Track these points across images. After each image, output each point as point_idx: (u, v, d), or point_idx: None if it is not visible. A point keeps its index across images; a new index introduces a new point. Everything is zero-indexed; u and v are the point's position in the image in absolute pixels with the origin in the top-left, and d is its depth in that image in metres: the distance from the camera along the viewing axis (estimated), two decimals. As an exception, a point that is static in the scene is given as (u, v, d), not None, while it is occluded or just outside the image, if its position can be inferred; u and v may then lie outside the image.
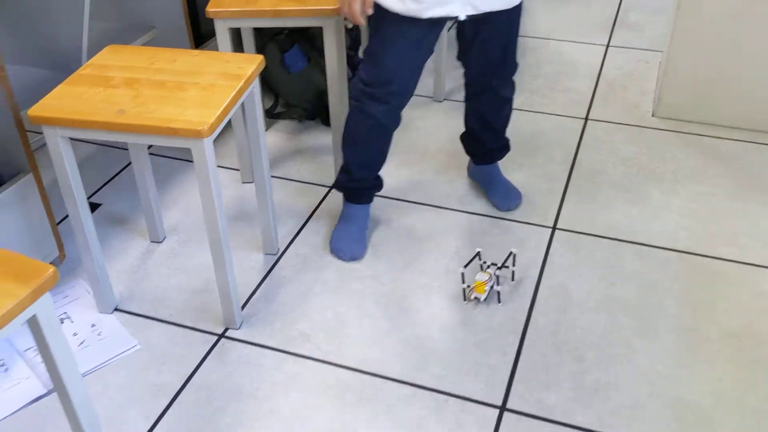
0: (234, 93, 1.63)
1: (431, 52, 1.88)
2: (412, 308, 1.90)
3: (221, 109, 1.58)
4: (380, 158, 2.04)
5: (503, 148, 2.23)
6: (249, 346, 1.81)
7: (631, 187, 2.30)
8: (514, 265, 1.96)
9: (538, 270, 2.00)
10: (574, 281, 1.96)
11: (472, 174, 2.32)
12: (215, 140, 1.58)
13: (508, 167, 2.34)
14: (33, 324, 1.17)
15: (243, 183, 2.37)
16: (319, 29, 2.59)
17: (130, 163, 2.44)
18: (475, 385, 1.69)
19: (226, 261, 1.73)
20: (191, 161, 2.45)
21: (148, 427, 1.61)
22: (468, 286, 1.90)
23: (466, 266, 1.94)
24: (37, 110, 1.59)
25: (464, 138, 2.24)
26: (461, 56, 2.00)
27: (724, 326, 1.81)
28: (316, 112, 2.69)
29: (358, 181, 2.06)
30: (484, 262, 1.97)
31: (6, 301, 1.10)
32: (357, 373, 1.73)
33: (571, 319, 1.85)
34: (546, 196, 2.27)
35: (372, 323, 1.86)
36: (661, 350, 1.76)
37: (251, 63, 1.74)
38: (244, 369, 1.74)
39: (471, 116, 2.14)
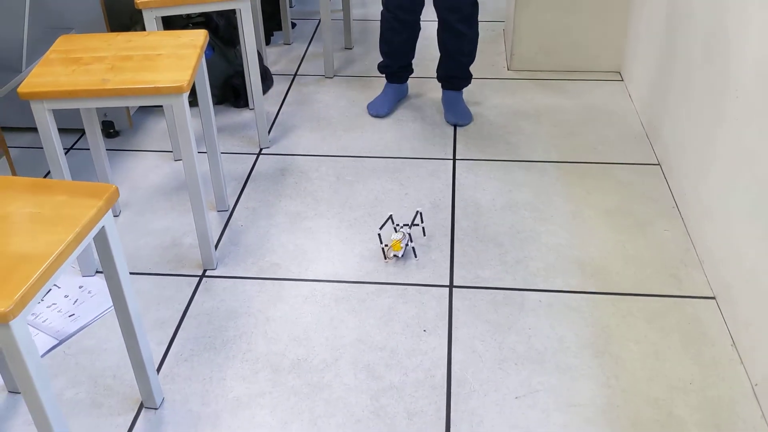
0: (197, 57, 1.92)
1: None
2: (358, 232, 2.26)
3: (192, 69, 1.87)
4: (404, 50, 2.83)
5: (465, 78, 2.85)
6: (229, 279, 2.09)
7: (506, 122, 2.81)
8: (422, 221, 2.30)
9: (451, 189, 2.43)
10: (481, 193, 2.42)
11: (442, 98, 2.92)
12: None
13: (407, 119, 2.78)
14: (99, 237, 1.42)
15: (175, 161, 2.62)
16: (222, 20, 2.90)
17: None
18: (425, 274, 2.09)
19: (204, 205, 2.01)
20: (118, 150, 2.67)
21: (164, 348, 1.86)
22: (386, 246, 2.21)
23: (381, 228, 2.27)
24: (25, 87, 1.79)
25: (437, 67, 2.86)
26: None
27: (599, 207, 2.34)
28: (224, 97, 2.99)
29: (389, 67, 2.88)
30: (397, 224, 2.26)
31: (86, 211, 1.35)
32: (328, 283, 2.07)
33: (486, 219, 2.30)
34: (441, 137, 2.73)
35: (328, 248, 2.20)
36: (558, 229, 2.25)
37: (200, 35, 2.04)
38: (231, 296, 2.03)
39: (440, 46, 2.79)
